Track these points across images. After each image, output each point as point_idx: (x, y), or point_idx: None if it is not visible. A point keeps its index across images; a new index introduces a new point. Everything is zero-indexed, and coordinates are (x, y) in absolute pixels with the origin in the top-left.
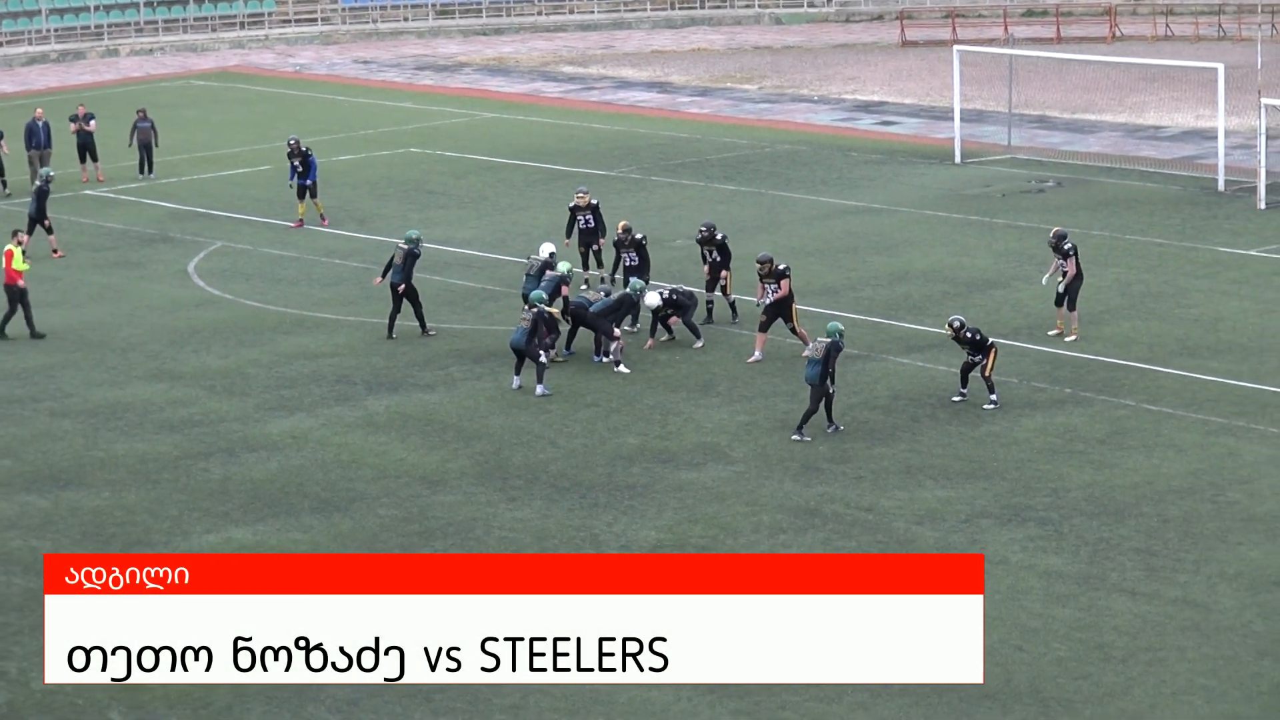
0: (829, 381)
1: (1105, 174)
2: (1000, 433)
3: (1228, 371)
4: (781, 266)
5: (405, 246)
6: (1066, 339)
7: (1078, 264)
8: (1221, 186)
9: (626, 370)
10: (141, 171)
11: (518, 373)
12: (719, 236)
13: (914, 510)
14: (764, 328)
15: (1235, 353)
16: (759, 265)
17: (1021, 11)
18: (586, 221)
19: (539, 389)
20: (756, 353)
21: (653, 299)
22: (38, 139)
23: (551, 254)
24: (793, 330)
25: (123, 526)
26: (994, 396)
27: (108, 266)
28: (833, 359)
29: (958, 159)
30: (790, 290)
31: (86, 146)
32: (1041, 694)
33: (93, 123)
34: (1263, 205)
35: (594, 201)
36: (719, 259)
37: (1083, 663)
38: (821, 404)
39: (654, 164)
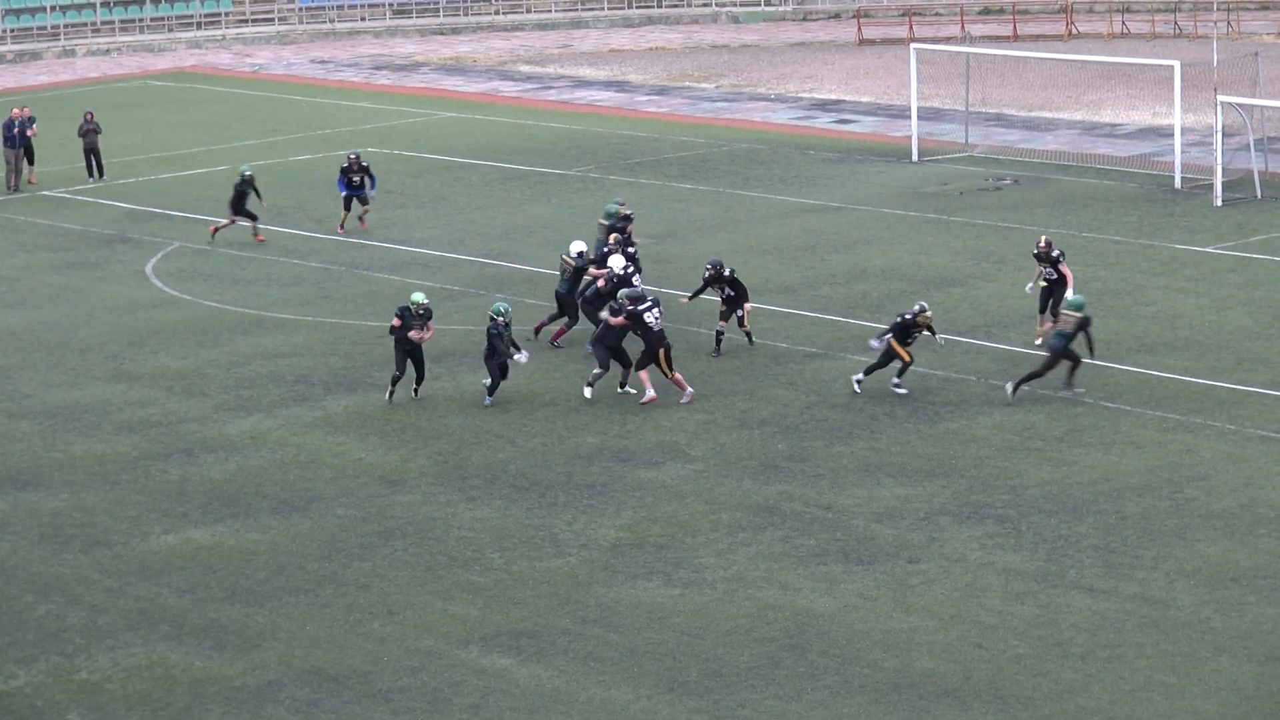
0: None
1: (1062, 171)
2: (958, 430)
3: (1185, 368)
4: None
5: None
6: (1036, 342)
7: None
8: (1178, 184)
9: (590, 373)
10: (91, 175)
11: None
12: (727, 273)
13: (872, 508)
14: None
15: (1192, 350)
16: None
17: (978, 9)
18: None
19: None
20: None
21: (617, 261)
22: (14, 139)
23: (580, 253)
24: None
25: (81, 528)
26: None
27: (65, 267)
28: (1087, 329)
29: (915, 157)
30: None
31: (27, 150)
32: (1001, 691)
33: (34, 127)
34: (1219, 202)
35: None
36: (733, 294)
37: (1042, 660)
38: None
39: (612, 163)
